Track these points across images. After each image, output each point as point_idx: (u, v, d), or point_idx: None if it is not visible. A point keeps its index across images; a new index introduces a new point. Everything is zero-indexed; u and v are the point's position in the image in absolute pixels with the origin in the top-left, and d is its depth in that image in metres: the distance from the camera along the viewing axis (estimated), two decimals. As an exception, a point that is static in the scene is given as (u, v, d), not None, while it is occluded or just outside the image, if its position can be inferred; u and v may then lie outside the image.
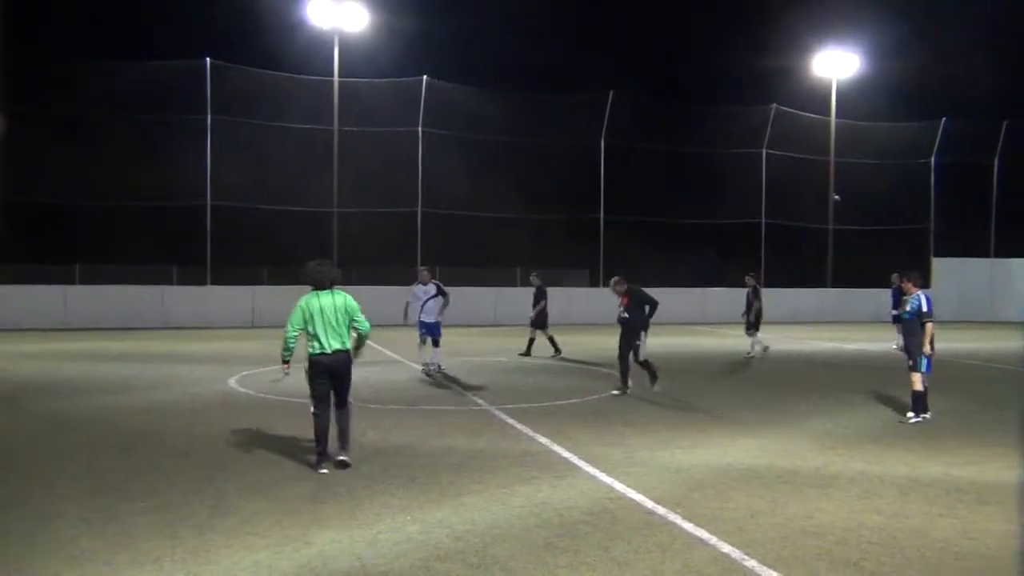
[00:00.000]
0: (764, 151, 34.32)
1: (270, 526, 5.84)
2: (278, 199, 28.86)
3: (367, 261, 30.64)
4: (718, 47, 38.81)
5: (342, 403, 7.58)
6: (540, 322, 17.86)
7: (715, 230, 33.58)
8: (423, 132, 30.33)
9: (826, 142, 35.09)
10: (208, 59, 27.86)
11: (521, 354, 17.88)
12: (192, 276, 28.47)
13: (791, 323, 30.91)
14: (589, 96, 31.78)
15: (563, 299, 30.29)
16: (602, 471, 7.49)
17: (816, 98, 35.29)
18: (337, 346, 7.44)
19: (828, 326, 30.30)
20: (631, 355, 12.16)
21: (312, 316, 7.41)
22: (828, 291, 34.37)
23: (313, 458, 7.56)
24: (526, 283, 30.62)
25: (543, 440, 8.88)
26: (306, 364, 7.47)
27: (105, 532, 5.70)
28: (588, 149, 32.27)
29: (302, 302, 7.49)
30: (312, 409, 7.52)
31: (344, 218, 29.63)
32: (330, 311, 7.45)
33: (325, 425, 7.47)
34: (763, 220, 34.31)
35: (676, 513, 6.22)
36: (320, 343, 7.40)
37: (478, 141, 30.85)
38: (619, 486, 6.99)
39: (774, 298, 32.76)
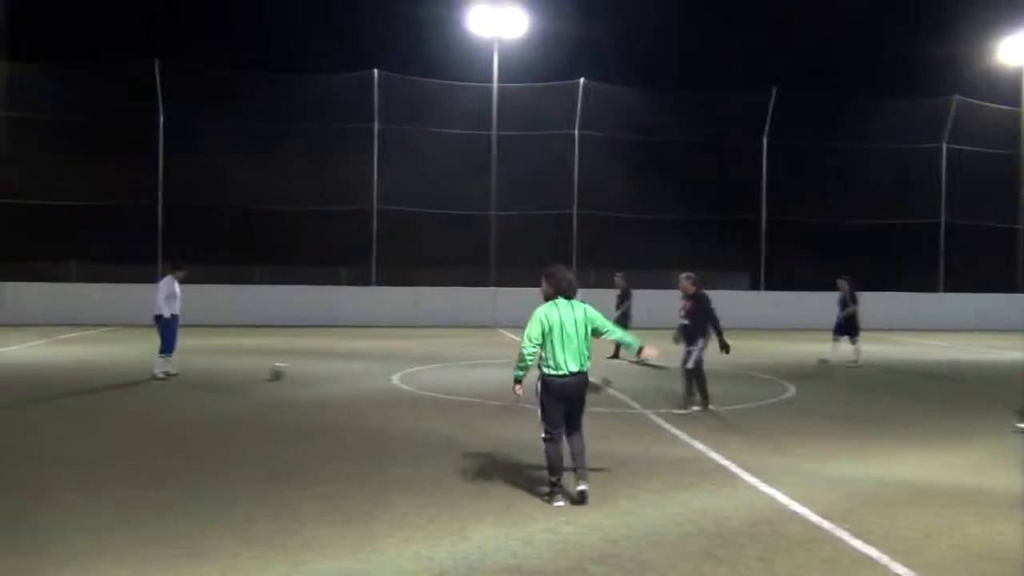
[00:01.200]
0: (944, 145, 32.01)
1: (429, 519, 6.02)
2: (439, 202, 29.78)
3: (523, 263, 31.01)
4: (892, 35, 36.51)
5: (576, 427, 6.72)
6: (623, 324, 17.24)
7: (888, 231, 31.56)
8: (579, 135, 30.42)
9: (1015, 135, 32.26)
10: (376, 71, 29.18)
11: (609, 357, 17.03)
12: (358, 277, 29.87)
13: (975, 330, 28.62)
14: (750, 93, 30.77)
15: (727, 302, 29.48)
16: (763, 481, 7.22)
17: (1002, 87, 32.50)
18: (575, 367, 6.49)
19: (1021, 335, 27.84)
20: (683, 362, 10.96)
21: (551, 329, 6.48)
22: (1017, 296, 31.55)
23: (545, 488, 6.68)
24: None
25: (699, 446, 8.67)
26: (537, 384, 6.62)
27: (279, 517, 6.06)
28: (749, 148, 31.26)
29: (541, 312, 6.56)
30: (542, 434, 6.66)
31: (501, 221, 30.18)
32: (571, 325, 6.51)
33: (559, 453, 6.59)
34: (943, 220, 31.99)
35: (843, 529, 5.90)
36: (556, 362, 6.47)
37: (634, 142, 30.60)
38: (781, 497, 6.72)
39: (959, 304, 30.52)
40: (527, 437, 9.04)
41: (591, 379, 6.75)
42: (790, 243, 31.24)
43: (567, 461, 6.63)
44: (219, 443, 8.79)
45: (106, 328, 24.79)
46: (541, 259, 31.92)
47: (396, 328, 26.64)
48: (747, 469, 7.64)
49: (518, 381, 6.59)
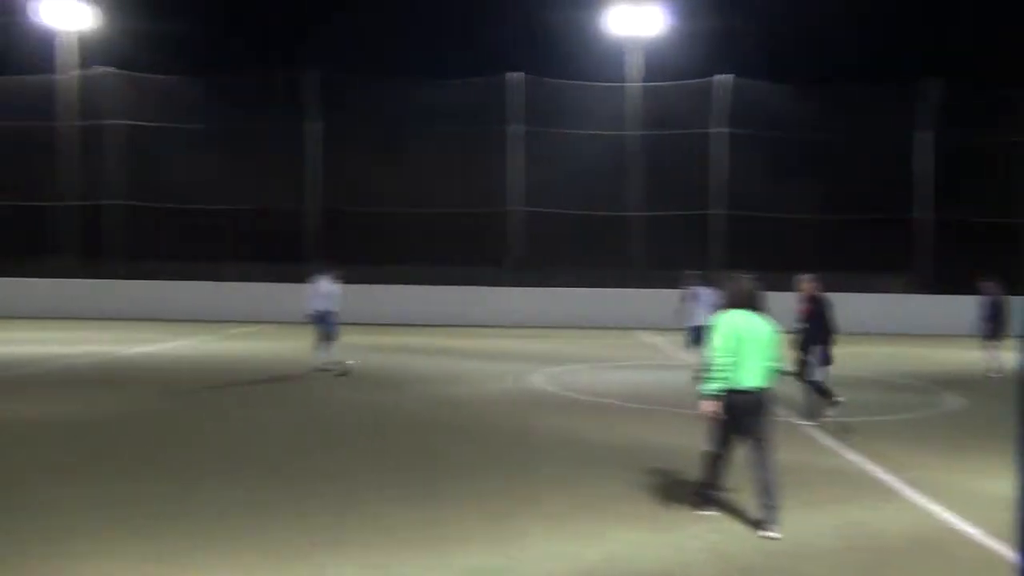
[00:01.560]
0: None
1: (575, 519, 6.05)
2: (577, 204, 29.81)
3: (664, 264, 30.60)
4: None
5: (760, 446, 6.05)
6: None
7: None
8: (721, 133, 29.71)
9: None
10: (516, 74, 29.57)
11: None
12: (497, 278, 30.32)
13: None
14: (905, 86, 29.07)
15: (874, 306, 28.12)
16: (926, 496, 6.83)
17: None
18: (762, 383, 6.03)
19: None
20: (801, 371, 10.40)
21: (742, 341, 5.97)
22: None
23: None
24: (831, 288, 28.77)
25: (854, 458, 8.29)
26: (718, 403, 6.03)
27: (424, 511, 6.24)
28: (903, 143, 29.56)
29: (727, 321, 6.05)
30: (711, 448, 6.23)
31: (640, 222, 29.90)
32: (754, 338, 6.00)
33: (721, 467, 6.21)
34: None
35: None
36: (741, 376, 5.96)
37: (779, 139, 29.51)
38: (947, 515, 6.33)
39: None
40: (673, 441, 8.93)
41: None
42: (949, 243, 29.29)
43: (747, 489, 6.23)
44: (368, 436, 9.15)
45: (266, 324, 26.28)
46: (680, 260, 31.45)
47: (535, 328, 26.85)
48: (907, 483, 7.25)
49: (711, 397, 6.01)
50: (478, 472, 7.45)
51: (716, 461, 6.19)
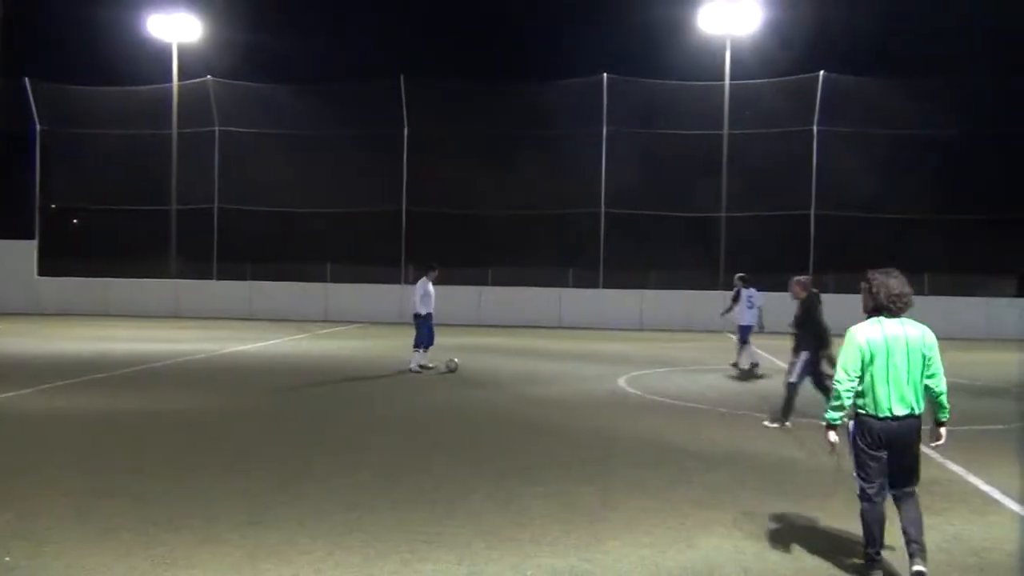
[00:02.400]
0: None
1: (655, 524, 5.96)
2: (668, 204, 29.44)
3: (754, 266, 29.91)
4: None
5: (905, 486, 5.05)
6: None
7: None
8: (819, 131, 28.80)
9: None
10: (605, 75, 29.41)
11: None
12: (586, 279, 30.22)
13: None
14: (1015, 78, 27.50)
15: (982, 310, 26.77)
16: (1032, 510, 6.44)
17: None
18: (904, 409, 4.88)
19: None
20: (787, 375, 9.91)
21: (874, 357, 4.88)
22: None
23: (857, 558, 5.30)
24: (936, 291, 27.51)
25: (956, 468, 7.89)
26: (850, 426, 5.09)
27: (508, 510, 6.26)
28: (1017, 138, 27.97)
29: (859, 334, 4.95)
30: (858, 491, 5.10)
31: (733, 222, 29.28)
32: (899, 352, 4.88)
33: (878, 516, 5.04)
34: None
35: None
36: (876, 399, 4.90)
37: (880, 136, 28.42)
38: (1056, 532, 5.96)
39: None
40: (757, 448, 8.71)
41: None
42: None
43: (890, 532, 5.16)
44: (457, 434, 9.26)
45: (355, 325, 26.93)
46: (775, 262, 30.73)
47: (622, 331, 26.64)
48: (1012, 496, 6.85)
49: (832, 426, 5.08)
50: (561, 473, 7.43)
51: (867, 507, 5.04)
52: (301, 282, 29.84)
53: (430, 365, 14.65)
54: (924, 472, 7.71)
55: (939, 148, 28.56)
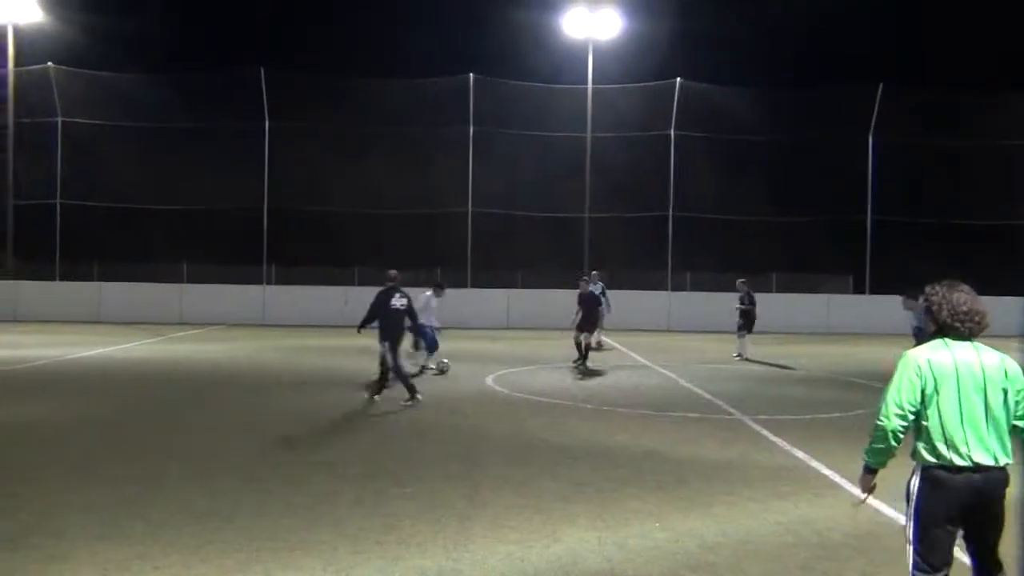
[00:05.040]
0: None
1: (522, 521, 6.04)
2: (533, 205, 29.88)
3: (617, 265, 30.84)
4: (1004, 28, 34.48)
5: (987, 565, 3.89)
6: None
7: (1003, 231, 29.79)
8: (676, 135, 30.00)
9: None
10: (472, 75, 29.52)
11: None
12: (453, 279, 30.21)
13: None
14: (855, 89, 29.64)
15: (822, 306, 28.66)
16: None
17: None
18: (986, 458, 3.72)
19: None
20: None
21: (938, 388, 3.75)
22: None
23: None
24: (782, 288, 29.25)
25: (800, 454, 8.41)
26: (911, 482, 3.93)
27: (376, 513, 6.19)
28: (853, 146, 30.14)
29: (918, 358, 3.83)
30: (910, 567, 3.88)
31: (596, 223, 30.04)
32: (972, 382, 3.75)
33: None
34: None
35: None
36: (949, 445, 3.74)
37: (732, 142, 29.94)
38: (887, 509, 6.44)
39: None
40: (619, 441, 8.97)
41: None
42: (897, 244, 29.96)
43: None
44: (320, 437, 9.04)
45: (214, 327, 25.87)
46: (636, 262, 31.66)
47: (490, 330, 26.83)
48: (850, 479, 7.36)
49: (871, 470, 4.04)
50: (428, 474, 7.40)
51: None
52: (155, 283, 28.37)
53: (431, 366, 14.79)
54: (771, 459, 8.26)
55: (782, 153, 30.32)
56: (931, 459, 3.79)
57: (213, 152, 29.82)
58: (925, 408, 3.78)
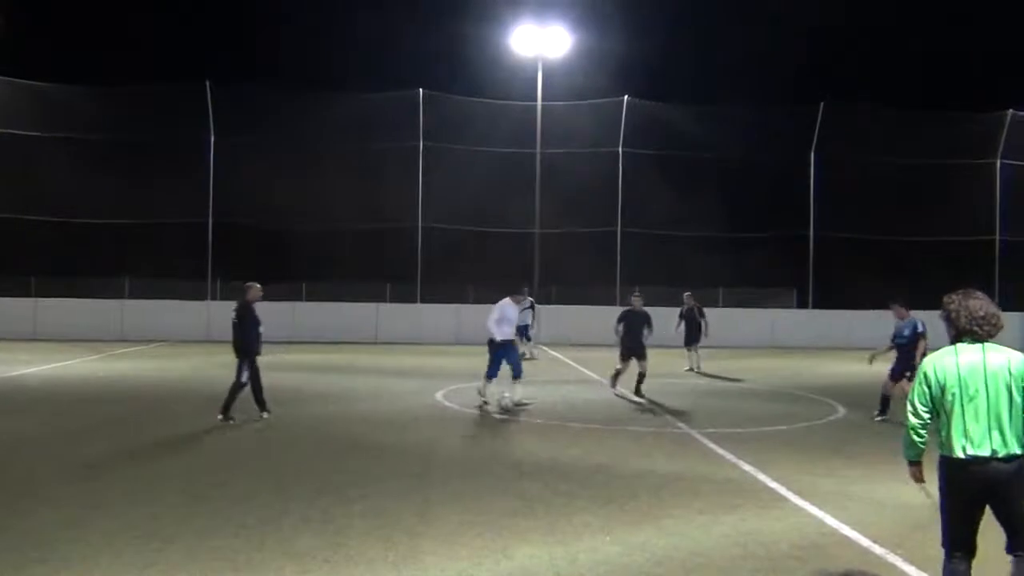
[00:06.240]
0: (999, 161, 31.23)
1: (472, 537, 6.00)
2: (483, 221, 29.91)
3: (567, 280, 31.03)
4: (945, 48, 35.74)
5: (1020, 533, 4.21)
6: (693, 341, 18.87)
7: (941, 248, 30.72)
8: (624, 152, 30.35)
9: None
10: (421, 90, 29.49)
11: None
12: (403, 294, 30.06)
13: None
14: (797, 108, 30.39)
15: (768, 321, 29.19)
16: (812, 503, 7.07)
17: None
18: (992, 448, 4.16)
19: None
20: None
21: (945, 388, 4.27)
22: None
23: None
24: (729, 303, 29.73)
25: (747, 467, 8.52)
26: (940, 471, 4.34)
27: (324, 532, 6.09)
28: (796, 163, 30.86)
29: (925, 366, 4.39)
30: (945, 560, 4.34)
31: (545, 239, 30.18)
32: (979, 382, 4.21)
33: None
34: (997, 237, 31.16)
35: (896, 554, 5.74)
36: (957, 438, 4.22)
37: (679, 159, 30.37)
38: (831, 520, 6.56)
39: (1015, 322, 29.59)
40: (571, 456, 8.98)
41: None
42: (839, 260, 30.72)
43: None
44: (269, 455, 8.88)
45: (157, 343, 25.29)
46: (586, 277, 31.86)
47: (440, 345, 26.72)
48: (796, 491, 7.49)
49: (911, 463, 4.52)
50: (378, 491, 7.32)
51: (950, 570, 4.32)
52: (94, 299, 27.62)
53: (487, 401, 12.52)
54: (720, 472, 8.35)
55: (726, 171, 30.89)
56: (946, 452, 4.28)
57: (158, 166, 29.19)
58: (937, 408, 4.32)
